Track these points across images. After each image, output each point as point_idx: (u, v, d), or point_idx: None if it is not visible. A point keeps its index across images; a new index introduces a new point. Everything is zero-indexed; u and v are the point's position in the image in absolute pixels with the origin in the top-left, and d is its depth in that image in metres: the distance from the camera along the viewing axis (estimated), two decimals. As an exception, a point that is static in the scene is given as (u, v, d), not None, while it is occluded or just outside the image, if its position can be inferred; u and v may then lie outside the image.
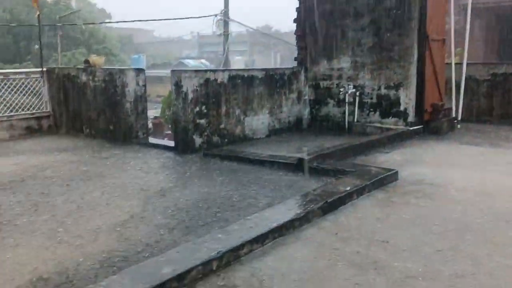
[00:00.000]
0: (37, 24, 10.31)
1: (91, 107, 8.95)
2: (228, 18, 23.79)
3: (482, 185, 5.45)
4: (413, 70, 8.35)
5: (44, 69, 9.61)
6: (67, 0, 39.60)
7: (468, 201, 4.87)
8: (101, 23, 35.52)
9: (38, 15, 9.71)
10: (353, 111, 8.99)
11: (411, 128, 8.36)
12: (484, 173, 5.98)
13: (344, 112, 9.07)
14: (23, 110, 9.15)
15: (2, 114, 8.85)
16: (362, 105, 8.94)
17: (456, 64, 9.30)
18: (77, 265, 3.47)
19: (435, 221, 4.31)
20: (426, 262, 3.47)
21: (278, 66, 49.78)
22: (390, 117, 8.64)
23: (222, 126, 7.86)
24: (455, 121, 9.12)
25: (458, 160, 6.78)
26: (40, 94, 9.47)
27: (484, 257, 3.55)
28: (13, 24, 27.45)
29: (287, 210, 4.34)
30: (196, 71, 7.66)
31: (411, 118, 8.45)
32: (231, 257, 3.48)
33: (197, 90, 7.41)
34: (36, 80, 9.38)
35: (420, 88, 8.43)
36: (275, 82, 8.84)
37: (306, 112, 9.64)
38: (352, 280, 3.22)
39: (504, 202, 4.83)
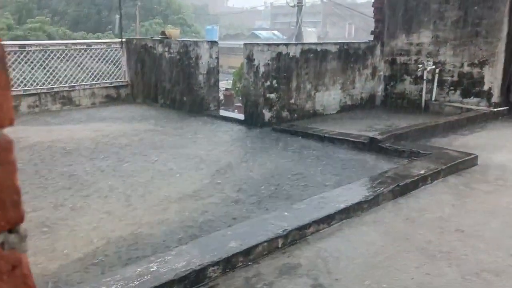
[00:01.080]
0: (117, -4, 10.69)
1: (166, 78, 9.22)
2: (303, -12, 23.24)
3: None
4: (501, 47, 7.72)
5: (123, 39, 9.98)
6: (146, -29, 40.62)
7: (556, 193, 4.49)
8: (177, -6, 36.19)
9: (119, -12, 10.05)
10: (431, 89, 8.52)
11: (495, 110, 7.79)
12: None
13: (421, 90, 8.63)
14: (103, 79, 9.61)
15: (86, 82, 9.36)
16: (441, 83, 8.44)
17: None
18: (149, 232, 3.64)
19: (517, 213, 4.03)
20: (504, 256, 3.27)
21: (352, 39, 48.28)
22: (472, 97, 8.10)
23: (292, 101, 7.78)
24: (546, 103, 8.38)
25: (547, 146, 6.25)
26: (119, 64, 9.88)
27: None
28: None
29: (356, 191, 4.24)
30: (268, 44, 7.59)
31: (495, 98, 7.87)
32: (297, 235, 3.48)
33: (268, 64, 7.35)
34: (116, 50, 9.79)
35: (507, 67, 7.80)
36: (349, 56, 8.57)
37: (380, 88, 9.28)
38: (422, 269, 3.10)
39: None
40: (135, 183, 4.81)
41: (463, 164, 5.16)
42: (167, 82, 9.22)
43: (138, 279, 2.73)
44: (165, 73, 9.23)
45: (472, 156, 5.32)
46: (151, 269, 2.84)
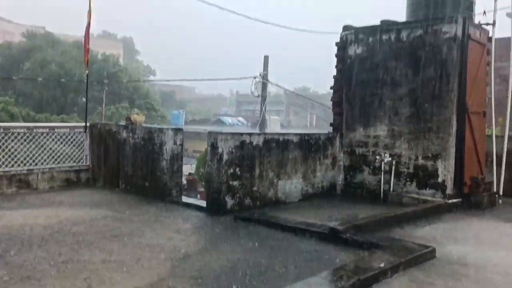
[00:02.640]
0: (85, 81, 10.88)
1: (129, 163, 9.17)
2: (267, 80, 24.40)
3: (526, 269, 5.12)
4: (452, 141, 8.21)
5: (88, 124, 10.01)
6: (116, 56, 41.89)
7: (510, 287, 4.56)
8: (145, 81, 37.17)
9: (87, 74, 10.26)
10: (389, 180, 8.81)
11: (449, 201, 8.08)
12: (529, 256, 5.64)
13: (380, 181, 8.90)
14: (64, 162, 9.45)
15: (45, 165, 9.16)
16: (398, 174, 8.77)
17: (497, 136, 9.09)
18: (100, 331, 3.41)
19: (475, 308, 4.04)
20: None
21: (314, 127, 50.12)
22: (428, 189, 8.40)
23: (254, 188, 7.84)
24: (496, 195, 8.78)
25: (500, 239, 6.44)
26: (81, 147, 9.80)
27: None
28: (63, 80, 29.10)
29: (316, 286, 4.18)
30: (232, 133, 7.78)
31: (449, 190, 8.20)
32: (256, 334, 3.34)
33: (232, 152, 7.49)
34: (80, 133, 9.76)
35: (459, 160, 8.24)
36: (310, 146, 8.85)
37: (340, 178, 9.52)
38: None
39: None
40: (88, 274, 4.57)
41: (422, 257, 5.23)
42: (129, 167, 9.16)
43: None
44: (128, 158, 9.20)
45: (430, 248, 5.42)
46: None
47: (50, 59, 35.83)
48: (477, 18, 8.85)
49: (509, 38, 9.10)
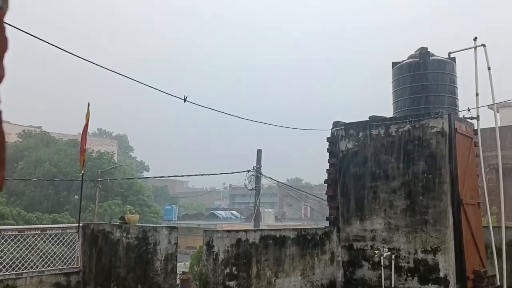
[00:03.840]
0: (79, 179, 10.91)
1: (122, 264, 8.89)
2: (261, 174, 24.63)
3: None
4: (450, 234, 8.14)
5: (81, 224, 9.85)
6: (111, 154, 42.44)
7: None
8: (140, 178, 37.34)
9: (82, 174, 10.32)
10: (390, 276, 8.57)
11: (454, 297, 7.81)
12: None
13: (380, 276, 8.65)
14: (54, 264, 9.15)
15: (35, 268, 8.86)
16: (399, 269, 8.55)
17: (494, 227, 9.05)
18: None
19: None
20: None
21: (307, 219, 49.63)
22: (430, 284, 8.16)
23: (252, 288, 7.57)
24: (501, 289, 8.53)
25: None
26: (73, 248, 9.55)
27: None
28: (57, 179, 29.12)
29: None
30: (228, 231, 7.69)
31: (452, 285, 7.96)
32: None
33: (228, 250, 7.33)
34: (72, 234, 9.56)
35: (459, 253, 8.11)
36: (307, 242, 8.71)
37: (340, 274, 9.25)
38: None
39: None
40: None
41: None
42: (122, 268, 8.87)
43: None
44: (120, 259, 8.94)
45: None
46: None
47: (44, 158, 36.17)
48: (462, 113, 9.24)
49: (494, 128, 9.46)
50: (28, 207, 30.90)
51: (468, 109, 8.95)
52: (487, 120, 9.97)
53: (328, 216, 9.93)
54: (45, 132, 46.19)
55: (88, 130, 10.62)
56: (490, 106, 12.64)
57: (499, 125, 9.74)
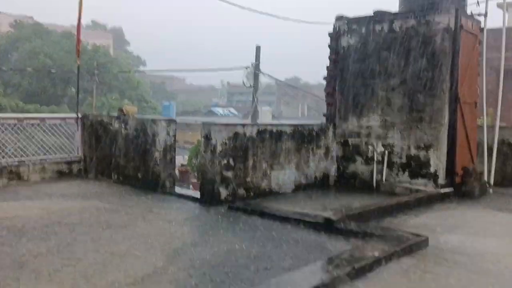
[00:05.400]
0: (75, 71, 10.78)
1: (121, 154, 9.12)
2: (259, 71, 24.33)
3: (518, 257, 5.20)
4: (444, 132, 8.26)
5: (80, 115, 9.92)
6: (106, 47, 41.47)
7: (504, 275, 4.63)
8: (136, 71, 36.84)
9: (78, 66, 10.15)
10: (382, 170, 8.86)
11: (441, 191, 8.15)
12: (520, 244, 5.73)
13: (372, 171, 8.95)
14: (55, 153, 9.38)
15: (36, 156, 9.09)
16: (391, 164, 8.81)
17: (488, 127, 9.17)
18: (96, 322, 3.41)
19: (468, 296, 4.10)
20: None
21: (305, 118, 50.17)
22: (420, 178, 8.47)
23: (248, 179, 7.84)
24: (487, 185, 8.87)
25: (492, 227, 6.52)
26: (73, 138, 9.73)
27: None
28: (53, 70, 28.75)
29: (312, 275, 4.21)
30: (226, 124, 7.76)
31: (441, 180, 8.27)
32: (253, 323, 3.36)
33: (225, 143, 7.47)
34: (71, 124, 9.67)
35: (451, 150, 8.30)
36: (303, 137, 8.86)
37: (333, 168, 9.55)
38: None
39: (543, 279, 4.58)
40: (81, 266, 4.56)
41: (415, 246, 5.28)
42: (122, 158, 9.11)
43: None
44: (120, 149, 9.15)
45: (423, 238, 5.47)
46: None
47: (38, 50, 35.36)
48: (469, 9, 8.87)
49: (500, 29, 9.16)
50: (25, 99, 30.93)
51: (478, 3, 8.58)
52: (495, 21, 9.59)
53: (325, 112, 9.99)
54: (38, 23, 44.66)
55: (82, 22, 10.24)
56: (499, 5, 12.12)
57: (506, 25, 9.39)
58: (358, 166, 9.26)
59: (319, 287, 3.97)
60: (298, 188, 8.73)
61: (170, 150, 8.44)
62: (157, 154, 8.47)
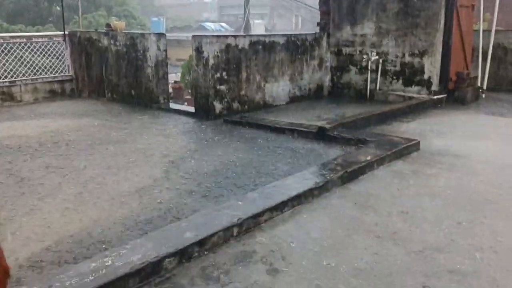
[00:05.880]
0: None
1: (113, 71, 9.00)
2: (250, -20, 23.25)
3: (505, 157, 5.37)
4: (439, 37, 8.12)
5: (67, 32, 9.63)
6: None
7: (491, 174, 4.82)
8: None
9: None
10: (376, 79, 8.84)
11: (435, 97, 8.20)
12: (509, 145, 5.89)
13: (366, 80, 8.93)
14: (46, 73, 9.25)
15: (27, 77, 8.97)
16: (385, 72, 8.77)
17: (484, 31, 9.01)
18: (102, 228, 3.59)
19: (456, 193, 4.30)
20: (445, 234, 3.49)
21: (299, 30, 48.86)
22: (413, 86, 8.48)
23: (242, 92, 7.83)
24: (480, 90, 8.92)
25: (483, 131, 6.66)
26: (62, 58, 9.53)
27: (503, 231, 3.54)
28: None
29: (306, 179, 4.36)
30: (217, 36, 7.59)
31: (434, 86, 8.28)
32: (251, 224, 3.55)
33: (218, 56, 7.35)
34: (59, 43, 9.43)
35: (445, 56, 8.22)
36: (296, 48, 8.71)
37: (327, 79, 9.51)
38: (370, 249, 3.26)
39: (528, 175, 4.77)
40: (84, 179, 4.70)
41: (407, 149, 5.42)
42: (114, 75, 9.01)
43: (93, 274, 2.70)
44: (111, 67, 9.02)
45: (415, 141, 5.60)
46: (106, 264, 2.82)
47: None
48: None
49: None
50: (9, 19, 29.79)
51: None
52: None
53: (318, 22, 9.73)
54: None
55: None
56: None
57: None
58: (352, 76, 9.22)
59: (313, 190, 4.13)
60: (293, 100, 8.76)
61: (162, 65, 8.32)
62: (149, 70, 8.37)
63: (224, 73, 7.47)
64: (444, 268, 3.01)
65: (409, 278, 2.90)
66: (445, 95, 8.33)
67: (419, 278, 2.89)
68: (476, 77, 8.95)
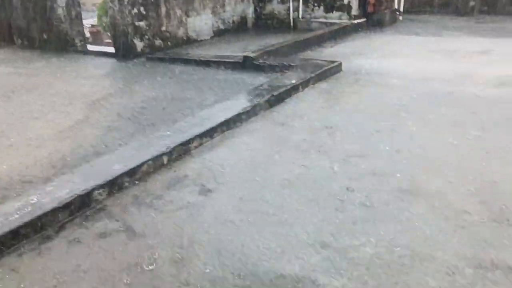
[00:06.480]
0: None
1: (20, 15, 8.29)
2: None
3: (420, 72, 5.68)
4: (357, -40, 8.18)
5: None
6: None
7: (407, 87, 5.10)
8: None
9: None
10: (298, 7, 8.83)
11: (355, 21, 8.37)
12: (423, 61, 6.22)
13: (289, 9, 8.90)
14: None
15: None
16: (306, 0, 8.77)
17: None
18: (26, 168, 3.44)
19: (376, 106, 4.52)
20: (367, 142, 3.70)
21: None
22: (334, 11, 8.58)
23: (163, 28, 7.54)
24: (398, 13, 9.20)
25: (400, 50, 6.95)
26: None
27: (417, 134, 3.81)
28: None
29: (234, 105, 4.39)
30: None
31: (354, 11, 8.43)
32: (181, 151, 3.55)
33: (133, -10, 6.96)
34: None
35: (363, -21, 8.33)
36: (216, -21, 8.43)
37: (250, 10, 9.37)
38: (298, 163, 3.40)
39: (439, 86, 5.10)
40: (5, 126, 4.42)
41: (330, 71, 5.57)
42: (21, 19, 8.30)
43: (18, 212, 2.61)
44: (17, 10, 8.28)
45: (337, 63, 5.75)
46: (32, 201, 2.73)
47: None
48: None
49: None
50: None
51: None
52: None
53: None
54: None
55: None
56: None
57: None
58: (275, 6, 9.14)
59: (241, 115, 4.17)
60: (217, 33, 8.58)
61: (73, 4, 7.77)
62: (60, 11, 7.79)
63: (141, 8, 7.12)
64: (366, 172, 3.21)
65: (334, 183, 3.08)
66: (365, 19, 8.52)
67: (343, 182, 3.08)
68: (393, 0, 9.19)
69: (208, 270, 2.26)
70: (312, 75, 5.25)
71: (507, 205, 2.70)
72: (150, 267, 2.30)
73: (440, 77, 5.41)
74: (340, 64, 5.76)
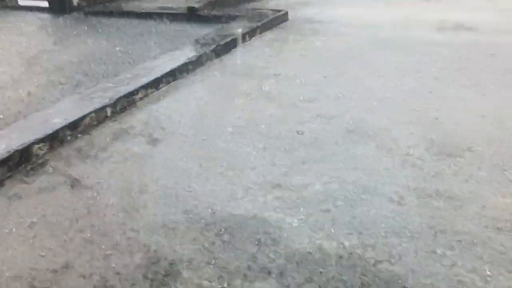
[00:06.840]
0: None
1: None
2: None
3: (365, 19, 5.72)
4: None
5: None
6: None
7: (353, 34, 5.12)
8: None
9: None
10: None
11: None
12: (368, 9, 6.25)
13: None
14: None
15: None
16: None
17: None
18: (-44, 130, 3.20)
19: (323, 53, 4.52)
20: (314, 87, 3.70)
21: None
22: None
23: (101, -20, 7.12)
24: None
25: (345, -1, 6.94)
26: None
27: (363, 78, 3.85)
28: None
29: (180, 55, 4.25)
30: None
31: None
32: (125, 103, 3.43)
33: None
34: None
35: None
36: None
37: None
38: (248, 109, 3.36)
39: (383, 32, 5.15)
40: None
41: (276, 20, 5.49)
42: None
43: (-50, 170, 2.44)
44: None
45: (283, 12, 5.67)
46: (-35, 159, 2.56)
47: None
48: None
49: None
50: None
51: None
52: None
53: None
54: None
55: None
56: None
57: None
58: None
59: (187, 64, 4.06)
60: (159, -14, 8.20)
61: (-1, -45, 7.16)
62: (-16, -38, 7.15)
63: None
64: (314, 115, 3.23)
65: (283, 126, 3.07)
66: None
67: (292, 126, 3.08)
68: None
69: (159, 216, 2.22)
70: (259, 24, 5.16)
71: (448, 140, 2.81)
72: (100, 216, 2.24)
73: (384, 24, 5.47)
74: (287, 13, 5.69)
